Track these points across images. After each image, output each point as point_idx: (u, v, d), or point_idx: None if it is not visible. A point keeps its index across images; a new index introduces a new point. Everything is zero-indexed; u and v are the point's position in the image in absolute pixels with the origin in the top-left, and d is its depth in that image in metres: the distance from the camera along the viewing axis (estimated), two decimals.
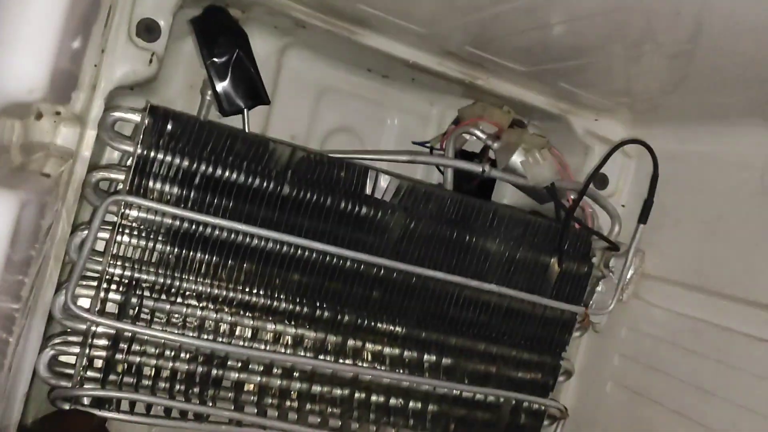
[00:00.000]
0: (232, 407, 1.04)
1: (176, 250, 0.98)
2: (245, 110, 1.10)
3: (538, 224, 1.17)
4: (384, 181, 1.07)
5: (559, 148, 1.27)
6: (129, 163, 0.94)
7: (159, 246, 0.97)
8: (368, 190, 1.07)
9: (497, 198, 1.45)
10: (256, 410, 1.05)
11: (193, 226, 0.98)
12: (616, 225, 1.22)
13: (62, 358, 0.98)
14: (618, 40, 0.92)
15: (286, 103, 1.35)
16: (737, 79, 0.91)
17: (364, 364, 1.11)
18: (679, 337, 1.09)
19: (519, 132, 1.25)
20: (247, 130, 1.10)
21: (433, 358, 1.15)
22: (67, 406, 0.94)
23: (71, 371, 0.96)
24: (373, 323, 1.10)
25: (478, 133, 1.27)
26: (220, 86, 1.08)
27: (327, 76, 1.40)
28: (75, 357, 0.96)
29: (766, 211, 1.02)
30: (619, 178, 1.29)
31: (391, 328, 1.12)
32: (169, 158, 0.95)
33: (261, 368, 1.07)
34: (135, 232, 0.96)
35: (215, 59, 1.06)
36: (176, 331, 0.99)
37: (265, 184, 1.00)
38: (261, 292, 1.04)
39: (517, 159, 1.21)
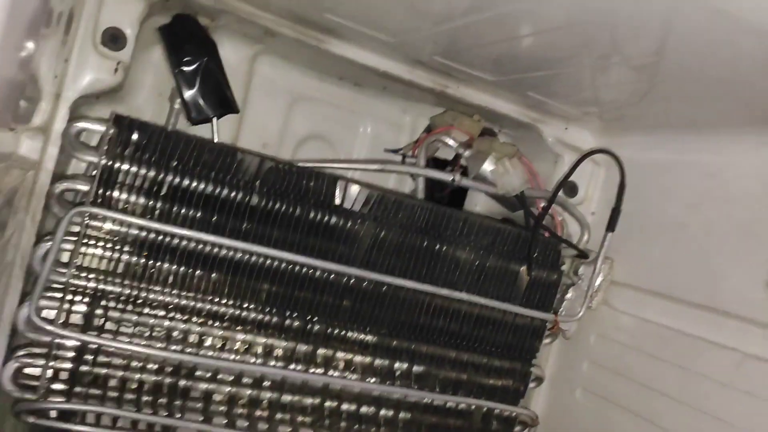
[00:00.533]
0: (201, 418, 1.03)
1: (143, 260, 0.97)
2: (214, 119, 1.10)
3: (507, 232, 1.18)
4: (353, 190, 1.07)
5: (530, 156, 1.28)
6: (94, 173, 0.93)
7: (125, 257, 0.96)
8: (338, 200, 1.07)
9: (470, 205, 1.45)
10: (225, 420, 1.04)
11: (160, 237, 0.97)
12: (585, 233, 1.23)
13: (28, 371, 0.96)
14: (585, 53, 0.94)
15: (257, 110, 1.34)
16: (702, 91, 0.93)
17: (335, 373, 1.11)
18: (645, 343, 1.11)
19: (489, 141, 1.26)
20: (215, 140, 1.10)
21: (405, 366, 1.16)
22: (31, 419, 0.92)
23: (37, 383, 0.95)
24: (343, 332, 1.11)
25: (450, 141, 1.28)
26: (189, 95, 1.07)
27: (299, 83, 1.40)
28: (40, 369, 0.94)
29: (729, 220, 1.04)
30: (589, 186, 1.31)
31: (362, 336, 1.12)
32: (134, 168, 0.94)
33: (231, 378, 1.06)
34: (100, 243, 0.95)
35: (183, 68, 1.06)
36: (143, 342, 0.98)
37: (233, 194, 0.99)
38: (230, 302, 1.03)
39: (487, 167, 1.22)
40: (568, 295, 1.22)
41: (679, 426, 1.02)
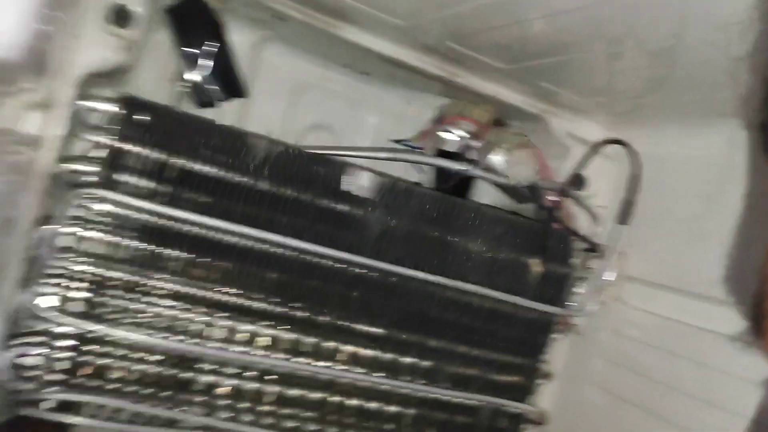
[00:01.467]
0: (204, 411, 1.00)
1: (147, 246, 0.93)
2: (221, 102, 1.07)
3: (519, 224, 1.16)
4: (364, 178, 1.05)
5: (539, 148, 1.26)
6: (100, 154, 0.90)
7: (129, 242, 0.93)
8: (348, 187, 1.04)
9: (475, 197, 1.43)
10: (229, 414, 1.01)
11: (166, 222, 0.94)
12: (597, 226, 1.21)
13: (25, 360, 0.92)
14: (598, 37, 0.92)
15: (262, 98, 1.32)
16: (717, 78, 0.91)
17: (342, 366, 1.08)
18: (659, 339, 1.09)
19: (500, 131, 1.24)
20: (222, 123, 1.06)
21: (413, 360, 1.13)
22: (30, 409, 0.88)
23: (35, 373, 0.91)
24: (351, 324, 1.08)
25: (459, 131, 1.26)
26: (196, 77, 1.04)
27: (304, 71, 1.38)
28: (38, 358, 0.90)
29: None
30: (599, 179, 1.29)
31: (370, 329, 1.09)
32: (142, 150, 0.90)
33: (234, 371, 1.03)
34: (103, 228, 0.92)
35: (191, 49, 1.03)
36: (145, 332, 0.95)
37: (242, 179, 0.96)
38: (235, 291, 1.00)
39: (497, 158, 1.20)
40: (580, 290, 1.20)
41: (695, 422, 1.00)
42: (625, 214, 1.16)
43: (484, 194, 1.45)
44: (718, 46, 0.80)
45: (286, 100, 1.36)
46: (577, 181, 1.25)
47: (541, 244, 1.15)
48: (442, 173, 1.24)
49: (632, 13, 0.80)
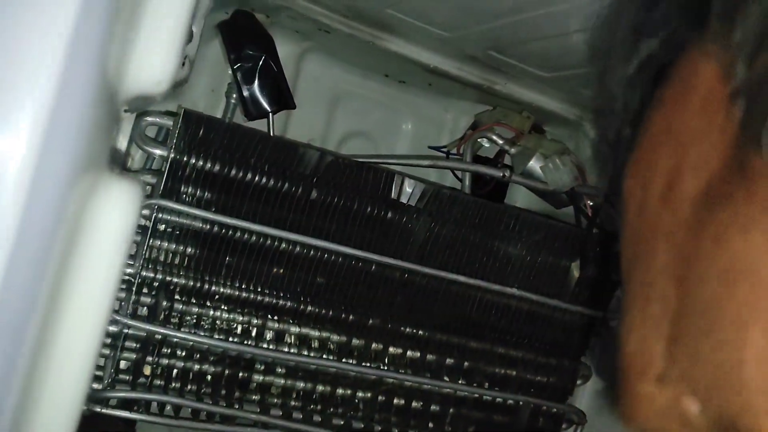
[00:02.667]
0: (258, 410, 1.04)
1: (206, 253, 0.98)
2: (270, 114, 1.11)
3: (559, 229, 1.19)
4: (409, 185, 1.08)
5: (576, 154, 1.28)
6: (161, 167, 0.95)
7: (189, 249, 0.98)
8: (394, 195, 1.08)
9: (510, 203, 1.46)
10: (281, 412, 1.05)
11: (223, 230, 0.98)
12: None
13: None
14: None
15: (303, 107, 1.35)
16: None
17: (387, 368, 1.12)
18: None
19: (538, 137, 1.26)
20: (271, 134, 1.11)
21: (454, 361, 1.16)
22: (98, 408, 0.94)
23: (101, 373, 0.96)
24: (397, 327, 1.11)
25: (496, 138, 1.28)
26: (247, 90, 1.08)
27: (344, 80, 1.41)
28: (105, 359, 0.96)
29: None
30: None
31: (414, 331, 1.13)
32: (200, 162, 0.95)
33: (284, 371, 1.07)
34: (166, 236, 0.97)
35: (242, 63, 1.07)
36: (204, 334, 1.00)
37: (294, 188, 1.00)
38: (288, 296, 1.04)
39: (535, 164, 1.23)
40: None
41: None
42: None
43: (518, 199, 1.48)
44: None
45: (326, 108, 1.39)
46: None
47: (581, 248, 1.18)
48: (478, 179, 1.27)
49: None
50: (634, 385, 0.37)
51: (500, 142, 1.29)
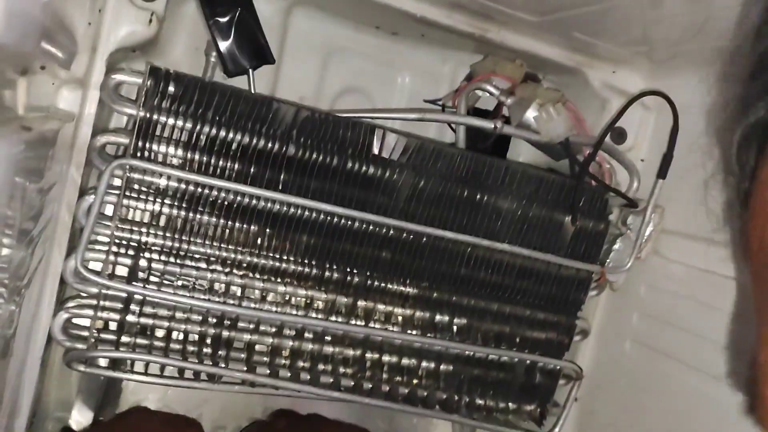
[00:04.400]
0: (245, 368, 1.04)
1: (182, 213, 0.97)
2: (250, 70, 1.08)
3: (551, 181, 1.14)
4: (391, 139, 1.05)
5: (576, 102, 1.23)
6: (132, 126, 0.93)
7: (165, 209, 0.97)
8: (375, 150, 1.05)
9: (513, 156, 1.41)
10: (268, 371, 1.06)
11: (199, 189, 0.97)
12: (634, 181, 1.18)
13: (77, 322, 0.99)
14: None
15: (293, 64, 1.33)
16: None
17: (376, 325, 1.11)
18: (698, 292, 1.06)
19: (533, 86, 1.21)
20: (252, 91, 1.08)
21: (446, 318, 1.15)
22: (82, 368, 0.95)
23: (86, 333, 0.97)
24: (383, 284, 1.10)
25: (491, 88, 1.23)
26: (224, 46, 1.06)
27: (335, 35, 1.37)
28: (89, 320, 0.97)
29: None
30: (638, 131, 1.25)
31: (402, 288, 1.11)
32: (172, 120, 0.94)
33: (272, 330, 1.07)
34: (141, 196, 0.96)
35: (217, 18, 1.04)
36: (187, 294, 1.00)
37: (269, 145, 0.98)
38: (269, 254, 1.03)
39: (530, 114, 1.18)
40: (616, 246, 1.17)
41: (732, 373, 0.98)
42: (663, 168, 1.12)
43: (522, 152, 1.43)
44: None
45: (317, 65, 1.36)
46: (615, 134, 1.22)
47: (574, 200, 1.13)
48: (477, 132, 1.22)
49: None
50: None
51: (496, 92, 1.24)
